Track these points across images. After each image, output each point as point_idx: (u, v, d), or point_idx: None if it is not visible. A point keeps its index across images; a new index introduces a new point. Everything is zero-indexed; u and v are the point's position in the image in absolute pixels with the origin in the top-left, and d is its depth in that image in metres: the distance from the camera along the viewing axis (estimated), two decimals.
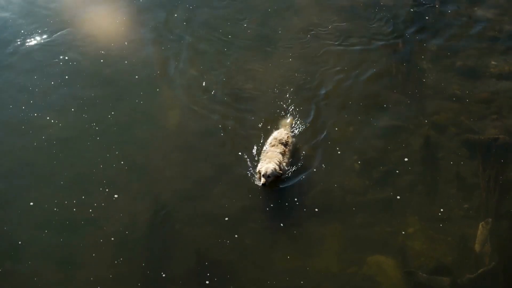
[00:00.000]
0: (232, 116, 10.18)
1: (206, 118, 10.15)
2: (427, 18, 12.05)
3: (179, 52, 11.46)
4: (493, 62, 11.08)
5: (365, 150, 9.59)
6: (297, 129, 9.83)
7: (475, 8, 12.27)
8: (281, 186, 9.09)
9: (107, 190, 9.07)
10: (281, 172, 8.82)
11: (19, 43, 11.55)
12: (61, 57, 11.31)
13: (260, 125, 9.99)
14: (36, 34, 11.74)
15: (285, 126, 9.76)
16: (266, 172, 8.67)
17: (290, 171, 9.20)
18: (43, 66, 11.11)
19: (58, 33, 11.78)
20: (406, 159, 9.43)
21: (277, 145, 9.17)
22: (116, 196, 9.01)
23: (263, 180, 8.69)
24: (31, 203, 8.91)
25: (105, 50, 11.46)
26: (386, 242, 8.46)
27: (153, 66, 11.17)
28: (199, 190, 9.12)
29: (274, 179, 8.79)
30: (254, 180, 9.15)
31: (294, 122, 9.88)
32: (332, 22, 12.03)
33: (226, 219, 8.75)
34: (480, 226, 8.56)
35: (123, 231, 8.60)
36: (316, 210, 8.82)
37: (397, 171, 9.28)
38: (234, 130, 9.95)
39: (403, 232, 8.55)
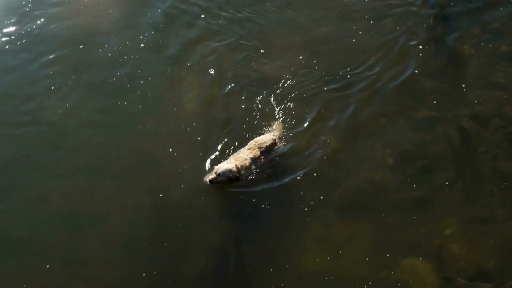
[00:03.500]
0: (246, 105, 10.08)
1: (221, 108, 10.08)
2: None
3: (191, 36, 11.46)
4: None
5: (399, 143, 9.37)
6: (287, 135, 9.56)
7: None
8: (302, 178, 8.90)
9: (114, 183, 9.02)
10: (237, 175, 8.67)
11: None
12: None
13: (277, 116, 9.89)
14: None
15: (277, 129, 9.56)
16: (218, 170, 8.63)
17: (250, 177, 8.95)
18: (46, 53, 11.19)
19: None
20: (443, 154, 9.18)
21: (253, 149, 9.07)
22: (123, 190, 8.94)
23: (211, 176, 8.62)
24: (34, 197, 8.85)
25: (111, 34, 11.50)
26: (421, 244, 8.21)
27: (164, 50, 11.15)
28: (211, 187, 8.90)
29: (226, 180, 8.66)
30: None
31: (283, 128, 9.64)
32: (365, 4, 11.85)
33: (244, 216, 8.62)
34: None
35: (131, 228, 8.53)
36: (344, 208, 8.64)
37: (433, 167, 9.04)
38: (249, 120, 9.83)
39: (440, 234, 8.31)
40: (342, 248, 8.20)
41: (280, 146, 9.33)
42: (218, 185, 8.72)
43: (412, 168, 9.01)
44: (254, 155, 8.98)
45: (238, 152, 9.17)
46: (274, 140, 9.25)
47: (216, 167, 8.73)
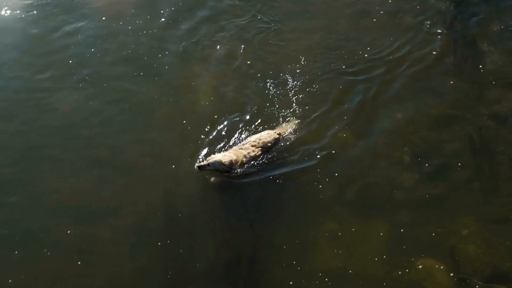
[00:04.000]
0: (260, 95, 10.06)
1: (236, 102, 10.04)
2: None
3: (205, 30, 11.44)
4: None
5: (416, 141, 9.26)
6: (302, 130, 9.50)
7: None
8: (317, 175, 8.82)
9: (125, 177, 8.99)
10: (227, 169, 8.67)
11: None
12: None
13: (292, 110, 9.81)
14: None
15: (288, 126, 9.50)
16: (209, 160, 8.70)
17: (241, 172, 8.90)
18: (64, 46, 11.21)
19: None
20: (461, 152, 9.06)
21: (256, 147, 9.01)
22: (135, 183, 8.91)
23: (202, 163, 8.73)
24: (45, 190, 8.84)
25: (129, 26, 11.51)
26: (437, 244, 8.12)
27: (178, 43, 11.14)
28: (225, 179, 8.93)
29: (214, 170, 8.71)
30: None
31: (295, 125, 9.56)
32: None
33: (259, 213, 8.55)
34: None
35: (143, 221, 8.50)
36: (359, 205, 8.55)
37: (451, 166, 8.93)
38: (265, 113, 9.78)
39: (457, 234, 8.21)
40: (356, 247, 8.12)
41: (282, 143, 9.24)
42: (206, 173, 8.80)
43: (429, 167, 8.90)
44: (255, 154, 8.95)
45: (243, 144, 9.14)
46: (278, 138, 9.20)
47: (210, 156, 8.76)
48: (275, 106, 9.83)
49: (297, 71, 10.39)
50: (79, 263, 8.09)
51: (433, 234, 8.17)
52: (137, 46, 11.10)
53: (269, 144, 9.07)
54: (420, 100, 9.81)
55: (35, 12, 11.85)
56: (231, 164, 8.70)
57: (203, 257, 8.10)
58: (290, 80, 10.19)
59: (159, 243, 8.24)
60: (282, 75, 10.32)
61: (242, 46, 10.98)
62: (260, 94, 10.02)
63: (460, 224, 8.26)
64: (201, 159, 9.02)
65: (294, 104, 9.82)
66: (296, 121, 9.52)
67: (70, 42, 11.29)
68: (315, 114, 9.66)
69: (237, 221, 8.48)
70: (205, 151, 9.21)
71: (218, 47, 11.01)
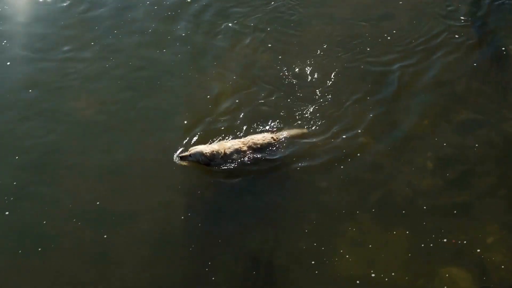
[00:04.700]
0: (279, 96, 10.03)
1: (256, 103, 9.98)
2: None
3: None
4: None
5: (440, 147, 9.14)
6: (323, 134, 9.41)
7: None
8: (338, 180, 8.74)
9: (143, 181, 8.91)
10: (206, 161, 8.74)
11: None
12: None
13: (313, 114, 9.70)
14: None
15: (293, 133, 9.40)
16: (191, 150, 8.79)
17: (224, 167, 8.90)
18: (86, 47, 11.22)
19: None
20: (486, 158, 8.96)
21: (244, 144, 9.00)
22: (153, 188, 8.83)
23: (184, 153, 8.82)
24: (62, 194, 8.77)
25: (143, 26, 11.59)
26: (461, 252, 7.99)
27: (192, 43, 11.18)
28: (248, 183, 8.87)
29: (195, 161, 8.79)
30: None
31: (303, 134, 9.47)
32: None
33: (280, 218, 8.46)
34: None
35: (161, 227, 8.41)
36: (381, 212, 8.42)
37: (475, 172, 8.81)
38: (284, 117, 9.69)
39: (481, 242, 8.07)
40: (378, 254, 8.00)
41: (277, 147, 9.15)
42: (191, 164, 8.82)
43: (453, 173, 8.79)
44: (239, 148, 8.93)
45: (234, 140, 9.15)
46: (272, 141, 9.12)
47: (193, 147, 8.84)
48: (291, 102, 9.87)
49: (312, 67, 10.40)
50: (95, 269, 8.02)
51: (457, 242, 8.03)
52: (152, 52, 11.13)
53: (259, 146, 9.02)
54: (443, 104, 9.71)
55: None
56: (213, 156, 8.73)
57: (221, 263, 8.02)
58: (307, 76, 10.20)
59: (177, 251, 8.18)
60: (298, 69, 10.34)
61: (263, 34, 11.19)
62: (278, 105, 9.97)
63: (484, 232, 8.12)
64: (183, 150, 9.07)
65: (309, 104, 9.80)
66: (304, 129, 9.44)
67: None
68: (337, 122, 9.58)
69: (255, 226, 8.38)
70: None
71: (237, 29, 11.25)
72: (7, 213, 8.50)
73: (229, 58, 10.83)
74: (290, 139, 9.26)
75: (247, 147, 8.96)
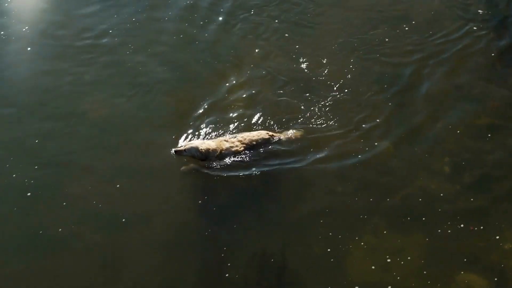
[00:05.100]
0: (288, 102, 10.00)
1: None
2: None
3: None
4: None
5: (457, 151, 9.09)
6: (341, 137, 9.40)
7: None
8: (353, 184, 8.68)
9: (155, 184, 8.88)
10: (202, 157, 8.83)
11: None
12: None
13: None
14: None
15: (289, 134, 9.38)
16: (186, 145, 8.87)
17: (221, 165, 8.97)
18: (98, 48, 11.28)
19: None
20: (504, 163, 8.89)
21: (241, 142, 9.04)
22: (165, 191, 8.80)
23: (179, 148, 8.89)
24: (74, 196, 8.74)
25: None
26: (478, 258, 7.90)
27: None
28: (262, 186, 8.84)
29: (190, 156, 8.89)
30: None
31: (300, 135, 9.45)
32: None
33: (294, 222, 8.38)
34: None
35: (175, 231, 8.37)
36: (397, 217, 8.35)
37: (493, 177, 8.75)
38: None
39: (499, 248, 7.97)
40: (393, 259, 7.91)
41: (272, 144, 9.19)
42: (185, 158, 8.93)
43: (470, 178, 8.72)
44: (237, 149, 8.96)
45: (232, 137, 9.19)
46: (268, 139, 9.15)
47: (190, 141, 8.96)
48: (304, 96, 9.96)
49: (327, 61, 10.50)
50: (107, 272, 7.97)
51: (474, 248, 7.95)
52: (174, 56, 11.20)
53: (254, 143, 9.05)
54: (461, 108, 9.66)
55: None
56: (207, 153, 8.78)
57: (234, 266, 7.95)
58: (322, 71, 10.32)
59: (190, 254, 8.12)
60: (312, 62, 10.51)
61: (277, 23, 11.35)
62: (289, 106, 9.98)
63: (502, 238, 8.02)
64: (181, 144, 9.12)
65: (323, 100, 9.85)
66: (301, 131, 9.41)
67: None
68: (352, 124, 9.55)
69: (269, 230, 8.32)
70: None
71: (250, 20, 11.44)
72: (20, 215, 8.50)
73: (244, 48, 11.00)
74: (287, 140, 9.28)
75: (244, 146, 8.99)
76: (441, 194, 8.54)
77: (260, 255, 8.07)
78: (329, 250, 8.04)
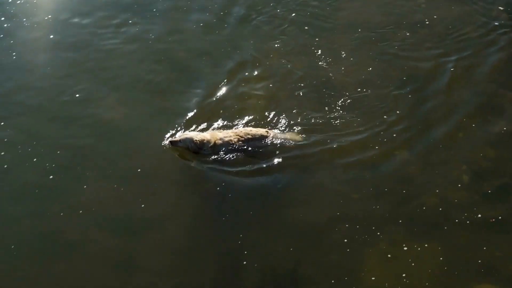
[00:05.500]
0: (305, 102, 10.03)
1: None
2: None
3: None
4: None
5: (476, 160, 8.97)
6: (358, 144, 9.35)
7: None
8: (369, 192, 8.58)
9: (170, 188, 8.85)
10: (195, 148, 8.88)
11: None
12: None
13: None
14: None
15: (287, 136, 9.37)
16: (182, 136, 8.95)
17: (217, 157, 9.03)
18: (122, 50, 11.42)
19: None
20: None
21: (236, 135, 9.07)
22: (179, 195, 8.78)
23: (174, 138, 9.00)
24: (87, 200, 8.71)
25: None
26: (496, 269, 7.77)
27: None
28: (277, 191, 8.75)
29: (185, 148, 8.95)
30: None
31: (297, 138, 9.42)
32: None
33: (309, 228, 8.31)
34: None
35: (187, 234, 8.33)
36: (413, 225, 8.24)
37: None
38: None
39: None
40: (409, 268, 7.81)
41: (269, 141, 9.18)
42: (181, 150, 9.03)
43: (489, 187, 8.59)
44: (230, 139, 8.99)
45: (228, 131, 9.22)
46: (265, 136, 9.14)
47: (185, 133, 9.03)
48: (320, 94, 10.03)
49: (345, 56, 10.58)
50: (120, 276, 7.92)
51: (491, 259, 7.83)
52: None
53: (250, 136, 9.05)
54: (480, 116, 9.55)
55: None
56: (202, 144, 8.80)
57: (248, 272, 7.89)
58: (339, 67, 10.43)
59: (204, 258, 8.06)
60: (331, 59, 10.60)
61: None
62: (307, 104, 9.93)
63: None
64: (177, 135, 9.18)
65: (347, 118, 9.70)
66: (300, 136, 9.37)
67: None
68: (368, 130, 9.48)
69: (284, 236, 8.25)
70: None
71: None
72: (33, 218, 8.49)
73: (263, 41, 11.18)
74: (284, 140, 9.27)
75: (238, 138, 9.00)
76: (459, 203, 8.43)
77: (275, 261, 8.01)
78: (343, 257, 7.97)
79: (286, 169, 8.98)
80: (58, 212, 8.58)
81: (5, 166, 9.14)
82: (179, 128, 9.45)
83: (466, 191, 8.59)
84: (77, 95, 10.22)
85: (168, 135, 9.27)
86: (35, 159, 9.20)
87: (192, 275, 7.92)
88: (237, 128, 9.37)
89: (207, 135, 8.97)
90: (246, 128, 9.28)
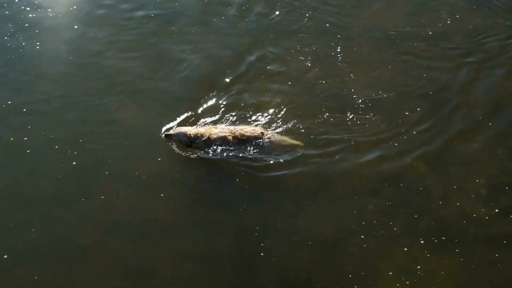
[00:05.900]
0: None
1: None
2: None
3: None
4: None
5: (494, 173, 8.91)
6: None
7: None
8: (386, 204, 8.52)
9: (186, 195, 8.80)
10: (187, 142, 9.05)
11: None
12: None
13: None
14: None
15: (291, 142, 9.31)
16: (176, 130, 9.17)
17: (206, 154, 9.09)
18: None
19: None
20: None
21: (231, 132, 9.09)
22: (195, 202, 8.71)
23: (169, 132, 9.19)
24: (101, 205, 8.63)
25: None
26: None
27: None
28: (293, 201, 8.68)
29: (178, 141, 9.16)
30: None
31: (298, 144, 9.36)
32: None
33: (323, 239, 8.24)
34: None
35: (204, 243, 8.25)
36: (430, 239, 8.17)
37: None
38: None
39: None
40: (425, 282, 7.76)
41: (264, 143, 9.17)
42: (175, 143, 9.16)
43: (507, 201, 8.53)
44: (224, 135, 9.05)
45: (223, 128, 9.26)
46: (259, 136, 9.14)
47: (179, 127, 9.24)
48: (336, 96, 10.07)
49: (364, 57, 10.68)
50: (134, 284, 7.86)
51: (509, 273, 7.78)
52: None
53: (244, 137, 9.08)
54: (497, 128, 9.48)
55: None
56: (196, 138, 8.95)
57: (264, 283, 7.83)
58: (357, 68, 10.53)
59: (219, 267, 8.00)
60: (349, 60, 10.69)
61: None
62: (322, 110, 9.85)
63: None
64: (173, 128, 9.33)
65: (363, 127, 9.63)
66: (299, 141, 9.31)
67: None
68: (385, 142, 9.41)
69: (300, 246, 8.17)
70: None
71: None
72: (47, 223, 8.42)
73: (283, 38, 11.27)
74: (282, 144, 9.24)
75: (233, 136, 9.04)
76: (477, 217, 8.37)
77: (290, 271, 7.94)
78: (359, 269, 7.91)
79: (302, 180, 8.91)
80: (72, 217, 8.50)
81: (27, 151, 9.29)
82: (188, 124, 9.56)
83: (484, 205, 8.52)
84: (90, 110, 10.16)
85: (164, 128, 9.40)
86: (47, 163, 9.16)
87: (207, 283, 7.86)
88: (236, 125, 9.36)
89: (201, 129, 9.13)
90: (242, 126, 9.25)
